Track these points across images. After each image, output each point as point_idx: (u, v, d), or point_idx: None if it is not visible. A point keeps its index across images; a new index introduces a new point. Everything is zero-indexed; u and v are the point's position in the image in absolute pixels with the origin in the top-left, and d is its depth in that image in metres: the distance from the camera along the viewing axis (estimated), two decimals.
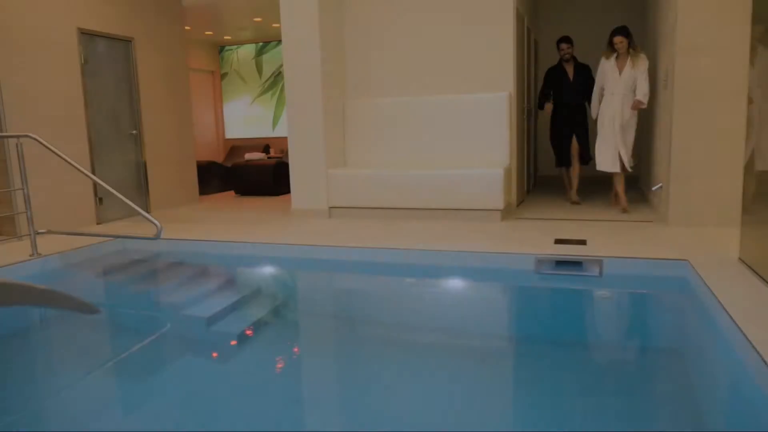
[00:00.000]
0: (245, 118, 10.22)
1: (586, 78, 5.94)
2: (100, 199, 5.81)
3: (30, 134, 4.22)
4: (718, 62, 4.26)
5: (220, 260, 4.54)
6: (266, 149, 9.48)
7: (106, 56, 5.92)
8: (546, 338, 2.85)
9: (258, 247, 4.43)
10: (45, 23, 5.21)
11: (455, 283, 3.89)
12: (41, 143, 4.19)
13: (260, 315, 3.43)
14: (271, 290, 4.12)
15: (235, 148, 9.77)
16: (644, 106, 5.14)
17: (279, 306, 3.65)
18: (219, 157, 10.25)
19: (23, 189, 4.26)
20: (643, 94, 5.05)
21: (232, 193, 8.34)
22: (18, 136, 4.20)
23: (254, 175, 7.81)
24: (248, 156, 8.26)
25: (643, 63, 5.13)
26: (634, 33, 7.49)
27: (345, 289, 4.11)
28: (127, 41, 6.14)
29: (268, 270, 4.43)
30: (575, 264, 3.67)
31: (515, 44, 5.40)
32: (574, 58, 6.01)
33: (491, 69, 5.42)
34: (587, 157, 6.00)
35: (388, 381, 2.40)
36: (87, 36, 5.66)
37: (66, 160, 4.13)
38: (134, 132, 6.27)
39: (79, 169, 4.14)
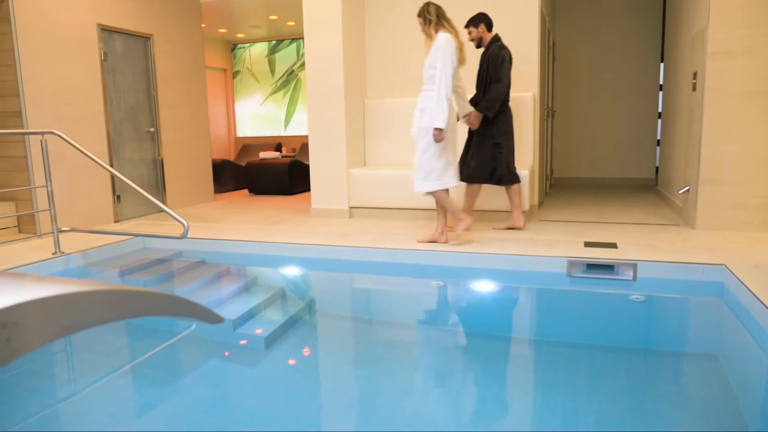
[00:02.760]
0: (257, 117, 10.18)
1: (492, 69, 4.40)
2: (118, 197, 5.77)
3: (54, 131, 4.18)
4: (750, 64, 4.22)
5: (248, 261, 4.48)
6: (278, 148, 9.44)
7: (125, 53, 5.88)
8: (599, 343, 2.82)
9: (286, 248, 4.38)
10: (66, 19, 5.17)
11: (488, 286, 3.85)
12: (65, 140, 4.15)
13: (314, 317, 3.39)
14: (326, 292, 4.08)
15: (247, 146, 9.72)
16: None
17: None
18: (230, 156, 10.21)
19: (47, 186, 4.22)
20: (436, 114, 3.78)
21: (245, 191, 8.30)
22: (42, 133, 4.16)
23: (269, 173, 7.77)
24: (263, 154, 8.22)
25: (434, 47, 3.84)
26: (654, 37, 7.49)
27: (378, 291, 4.07)
28: (146, 38, 6.10)
29: (306, 271, 4.38)
30: (607, 267, 3.63)
31: (540, 45, 5.37)
32: (493, 42, 4.46)
33: (516, 69, 5.37)
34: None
35: (426, 383, 2.36)
36: (107, 32, 5.62)
37: (93, 159, 4.09)
38: (152, 129, 6.23)
39: (106, 168, 4.11)
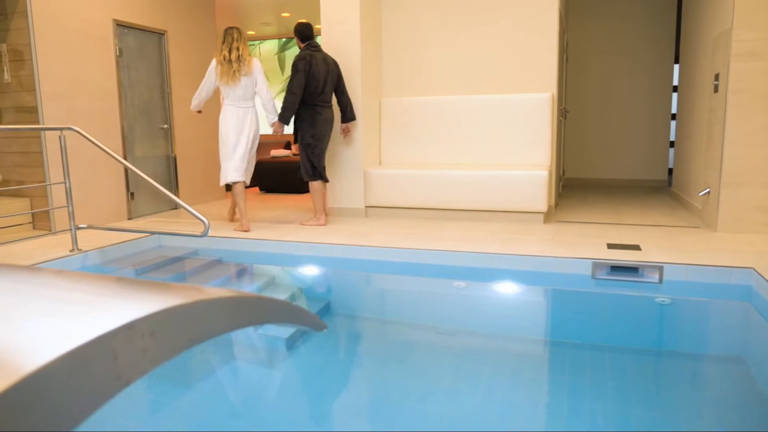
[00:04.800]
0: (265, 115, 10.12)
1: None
2: (132, 194, 5.73)
3: (73, 127, 4.15)
4: None
5: (268, 259, 4.44)
6: (287, 146, 9.39)
7: (140, 49, 5.85)
8: (628, 346, 2.79)
9: (306, 247, 4.35)
10: (82, 14, 5.13)
11: (513, 288, 3.82)
12: (85, 136, 4.12)
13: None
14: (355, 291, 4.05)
15: None
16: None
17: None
18: None
19: (65, 183, 4.18)
20: None
21: (256, 189, 8.26)
22: (61, 129, 4.13)
23: (280, 172, 7.73)
24: (274, 152, 8.18)
25: None
26: (668, 38, 7.46)
27: (400, 292, 4.04)
28: (160, 34, 6.06)
29: (328, 270, 4.35)
30: (631, 270, 3.60)
31: (558, 45, 5.33)
32: (302, 51, 4.92)
33: (534, 69, 5.35)
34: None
35: (453, 385, 2.33)
36: (122, 28, 5.58)
37: (114, 157, 4.06)
38: (165, 126, 6.20)
39: (128, 167, 4.07)
